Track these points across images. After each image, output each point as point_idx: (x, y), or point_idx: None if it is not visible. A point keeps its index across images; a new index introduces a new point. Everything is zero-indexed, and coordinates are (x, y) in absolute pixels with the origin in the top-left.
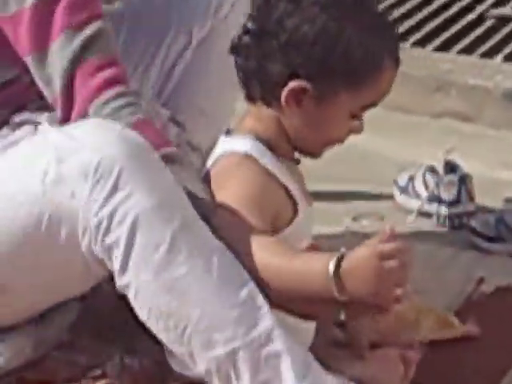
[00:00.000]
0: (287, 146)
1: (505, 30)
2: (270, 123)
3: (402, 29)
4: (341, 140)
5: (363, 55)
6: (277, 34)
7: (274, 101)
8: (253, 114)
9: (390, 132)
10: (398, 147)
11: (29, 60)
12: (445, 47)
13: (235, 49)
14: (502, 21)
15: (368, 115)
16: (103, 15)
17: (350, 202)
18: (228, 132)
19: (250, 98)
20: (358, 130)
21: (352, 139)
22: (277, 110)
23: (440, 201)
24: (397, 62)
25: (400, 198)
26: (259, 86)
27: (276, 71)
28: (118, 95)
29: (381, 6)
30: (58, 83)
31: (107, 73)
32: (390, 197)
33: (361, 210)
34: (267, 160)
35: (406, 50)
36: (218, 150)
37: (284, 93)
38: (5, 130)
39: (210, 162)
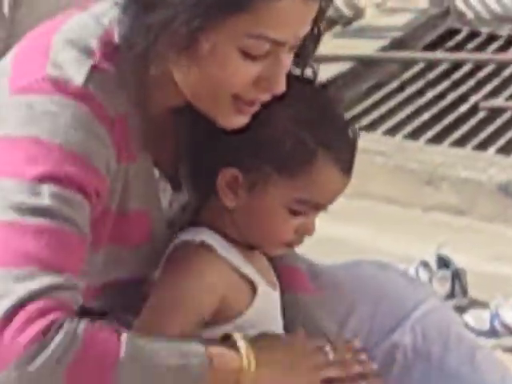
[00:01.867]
0: (241, 236)
1: (498, 122)
2: (221, 215)
3: (394, 121)
4: (290, 240)
5: (292, 146)
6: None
7: (216, 193)
8: (206, 206)
9: (381, 225)
10: (390, 241)
11: None
12: (437, 139)
13: (187, 151)
14: (495, 112)
15: (359, 208)
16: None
17: None
18: (182, 228)
19: (200, 191)
20: (307, 231)
21: (343, 233)
22: (222, 202)
23: None
24: (339, 160)
25: None
26: (199, 177)
27: (208, 160)
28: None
29: (374, 98)
30: None
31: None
32: None
33: None
34: (221, 248)
35: (397, 142)
36: (175, 241)
37: (218, 183)
38: None
39: (167, 253)
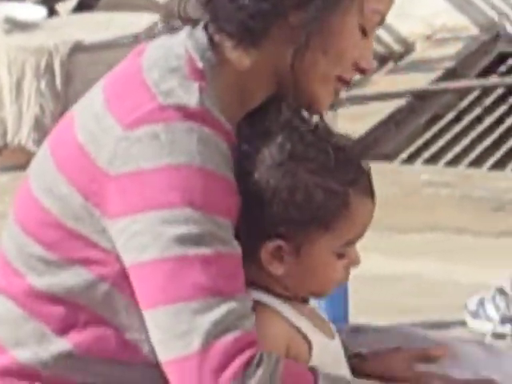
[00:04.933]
0: (290, 292)
1: None
2: (266, 276)
3: (455, 151)
4: (341, 278)
5: (324, 196)
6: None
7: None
8: (249, 267)
9: (454, 256)
10: (464, 271)
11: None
12: (500, 165)
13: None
14: None
15: (430, 241)
16: None
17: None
18: None
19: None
20: (354, 263)
21: (417, 268)
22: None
23: None
24: (366, 190)
25: (472, 322)
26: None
27: (249, 235)
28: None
29: (433, 131)
30: None
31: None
32: (462, 323)
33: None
34: (274, 304)
35: (460, 171)
36: None
37: (262, 256)
38: None
39: None
